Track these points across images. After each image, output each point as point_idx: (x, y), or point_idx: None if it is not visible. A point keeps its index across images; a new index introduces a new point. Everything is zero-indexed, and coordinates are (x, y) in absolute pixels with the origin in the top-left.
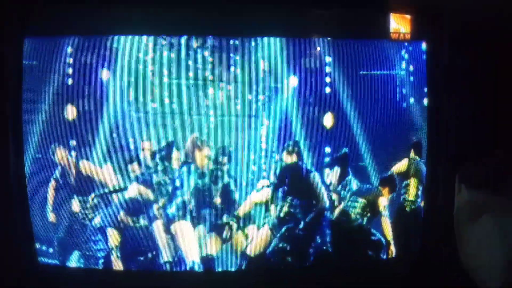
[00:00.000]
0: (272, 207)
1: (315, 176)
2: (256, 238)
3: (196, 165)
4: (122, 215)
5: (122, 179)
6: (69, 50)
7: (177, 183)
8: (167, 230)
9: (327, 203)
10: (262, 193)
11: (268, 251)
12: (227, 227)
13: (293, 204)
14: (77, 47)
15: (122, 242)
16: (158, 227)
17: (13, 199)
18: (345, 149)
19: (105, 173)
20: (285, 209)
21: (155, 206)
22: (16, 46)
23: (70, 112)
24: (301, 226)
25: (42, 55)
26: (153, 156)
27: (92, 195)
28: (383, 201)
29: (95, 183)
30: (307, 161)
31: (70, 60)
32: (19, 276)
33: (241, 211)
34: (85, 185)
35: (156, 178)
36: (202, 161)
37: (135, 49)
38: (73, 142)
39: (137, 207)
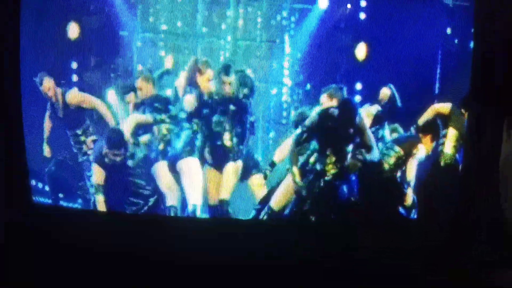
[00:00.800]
0: (302, 154)
1: (364, 121)
2: (280, 187)
3: (201, 91)
4: (104, 148)
5: (121, 107)
6: None
7: (182, 114)
8: (173, 168)
9: (377, 154)
10: (296, 137)
11: (292, 201)
12: (261, 175)
13: (327, 152)
14: None
15: (108, 181)
16: (161, 166)
17: (8, 129)
18: (389, 85)
19: (96, 100)
20: (315, 156)
21: (158, 141)
22: None
23: (73, 30)
24: (331, 175)
25: None
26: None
27: (90, 138)
28: (420, 150)
29: (86, 113)
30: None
31: None
32: (14, 213)
33: (278, 157)
34: (75, 117)
35: (156, 113)
36: (205, 85)
37: None
38: (74, 64)
39: (118, 139)
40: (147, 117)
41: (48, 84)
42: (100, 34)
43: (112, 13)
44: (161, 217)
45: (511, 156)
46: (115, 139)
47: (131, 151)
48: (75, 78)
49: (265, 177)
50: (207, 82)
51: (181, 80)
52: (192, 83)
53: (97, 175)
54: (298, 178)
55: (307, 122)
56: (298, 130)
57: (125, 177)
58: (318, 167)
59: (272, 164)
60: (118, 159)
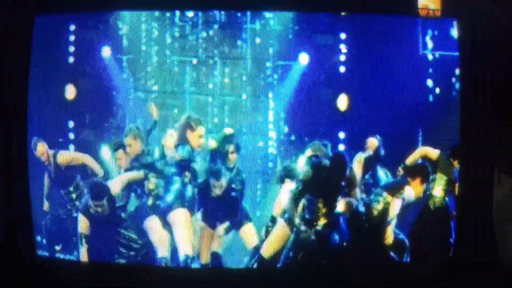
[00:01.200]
0: (293, 203)
1: (354, 170)
2: (271, 235)
3: (191, 147)
4: (89, 199)
5: (112, 164)
6: (72, 27)
7: (171, 170)
8: (164, 221)
9: (362, 206)
10: (288, 189)
11: (284, 248)
12: (251, 224)
13: (318, 200)
14: (80, 24)
15: (92, 231)
16: (152, 221)
17: (15, 187)
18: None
19: (83, 156)
20: (304, 203)
21: (147, 196)
22: (27, 24)
23: (70, 91)
24: (322, 223)
25: (47, 34)
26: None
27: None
28: (407, 191)
29: (76, 171)
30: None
31: (72, 38)
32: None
33: (277, 211)
34: (66, 176)
35: (146, 169)
36: (196, 141)
37: (137, 27)
38: (70, 124)
39: (100, 190)
40: (138, 174)
41: (41, 149)
42: (93, 95)
43: (105, 74)
44: (152, 267)
45: (503, 199)
46: (97, 190)
47: (121, 204)
48: (69, 137)
49: (267, 232)
50: (199, 139)
51: (171, 136)
52: (183, 139)
53: (81, 224)
54: (302, 227)
55: (300, 176)
56: (293, 185)
57: (113, 230)
58: (307, 216)
59: (273, 220)
60: (99, 210)
